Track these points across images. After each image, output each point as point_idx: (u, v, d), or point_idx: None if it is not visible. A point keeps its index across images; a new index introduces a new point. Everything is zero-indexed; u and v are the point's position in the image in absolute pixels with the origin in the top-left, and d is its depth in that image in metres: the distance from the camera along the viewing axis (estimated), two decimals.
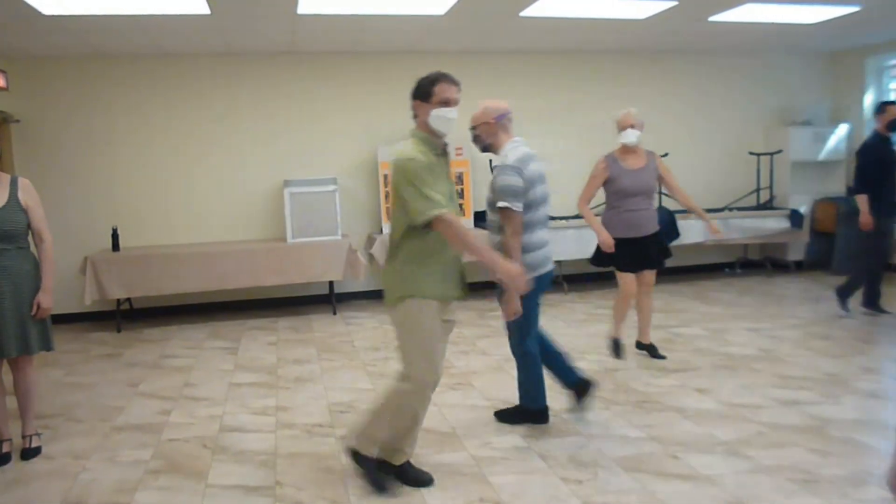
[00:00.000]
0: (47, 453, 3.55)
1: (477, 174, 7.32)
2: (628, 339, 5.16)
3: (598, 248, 4.55)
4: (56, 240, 3.69)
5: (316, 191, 6.61)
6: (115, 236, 6.38)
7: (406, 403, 2.88)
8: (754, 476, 3.01)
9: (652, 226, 4.55)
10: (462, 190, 7.16)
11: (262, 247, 6.50)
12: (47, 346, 3.53)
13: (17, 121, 6.35)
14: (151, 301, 6.75)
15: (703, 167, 7.75)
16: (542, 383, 3.67)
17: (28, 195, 3.44)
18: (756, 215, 7.53)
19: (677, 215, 6.09)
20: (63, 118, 6.58)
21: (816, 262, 7.79)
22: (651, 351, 4.80)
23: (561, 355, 3.69)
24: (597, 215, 4.65)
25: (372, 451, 2.99)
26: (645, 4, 5.59)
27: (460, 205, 6.82)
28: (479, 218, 7.30)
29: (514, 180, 3.26)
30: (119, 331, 6.32)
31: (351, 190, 7.15)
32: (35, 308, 3.41)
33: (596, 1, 5.46)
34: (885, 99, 7.85)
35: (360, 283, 7.09)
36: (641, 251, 4.53)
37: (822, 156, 7.92)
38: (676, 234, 5.90)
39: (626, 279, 4.57)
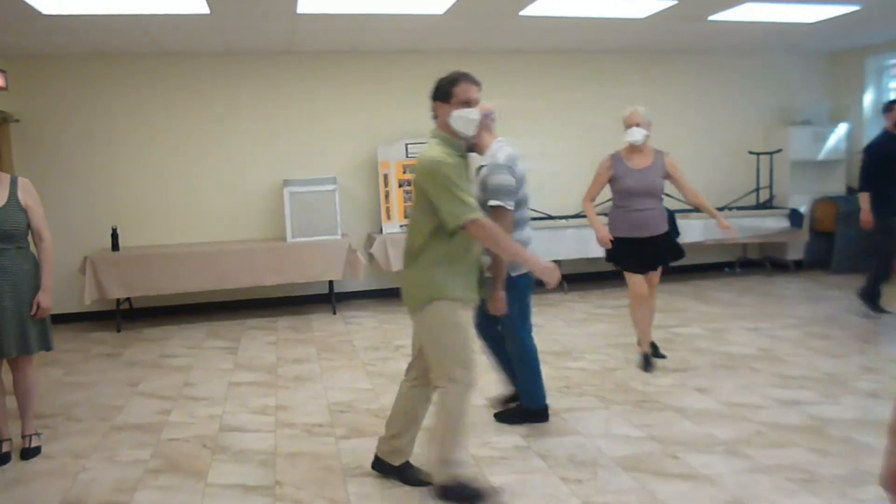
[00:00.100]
0: (47, 453, 3.55)
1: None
2: (629, 338, 5.17)
3: (614, 250, 4.52)
4: (56, 239, 3.69)
5: (316, 190, 6.61)
6: (114, 236, 6.38)
7: (457, 407, 2.82)
8: (754, 476, 3.01)
9: (660, 226, 4.44)
10: None
11: (261, 246, 6.49)
12: (47, 345, 3.53)
13: (17, 120, 6.34)
14: (151, 301, 6.75)
15: (703, 166, 7.75)
16: (540, 381, 3.68)
17: (28, 195, 3.44)
18: (755, 215, 7.53)
19: (677, 214, 6.09)
20: (62, 118, 6.58)
21: (816, 261, 7.80)
22: (653, 349, 4.78)
23: (538, 368, 3.72)
24: (603, 213, 4.63)
25: (452, 474, 2.85)
26: (644, 4, 5.59)
27: None
28: None
29: (508, 179, 3.30)
30: (119, 330, 6.32)
31: (351, 189, 7.15)
32: (35, 308, 3.41)
33: (595, 0, 5.46)
34: (885, 98, 7.87)
35: (360, 283, 7.09)
36: (649, 252, 4.43)
37: (821, 155, 7.92)
38: (676, 234, 5.89)
39: (632, 280, 4.47)
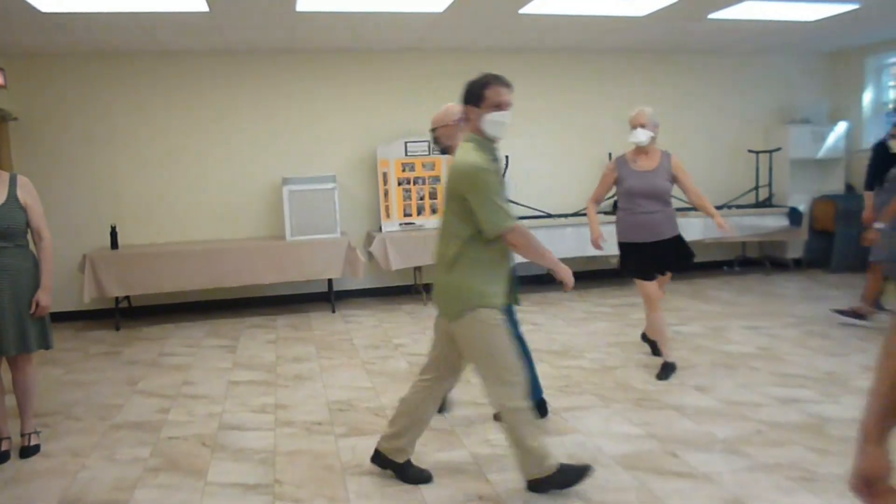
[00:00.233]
0: (46, 451, 3.54)
1: None
2: (629, 337, 5.17)
3: (621, 257, 4.48)
4: (55, 238, 3.68)
5: (315, 188, 6.61)
6: (113, 234, 6.38)
7: (520, 406, 2.81)
8: (753, 474, 3.02)
9: (667, 229, 4.32)
10: None
11: (260, 245, 6.49)
12: (46, 344, 3.53)
13: (16, 118, 6.34)
14: (150, 299, 6.75)
15: (703, 165, 7.75)
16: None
17: (27, 193, 3.43)
18: (755, 213, 7.54)
19: (677, 213, 6.09)
20: (61, 116, 6.57)
21: (815, 260, 7.81)
22: (654, 347, 4.77)
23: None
24: (603, 212, 4.60)
25: (543, 469, 2.85)
26: (644, 2, 5.59)
27: None
28: None
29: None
30: (118, 329, 6.32)
31: (350, 188, 7.15)
32: (34, 306, 3.40)
33: None
34: (884, 97, 7.87)
35: (359, 281, 7.09)
36: (656, 256, 4.33)
37: (821, 154, 7.93)
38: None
39: (642, 286, 4.38)
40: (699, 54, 7.89)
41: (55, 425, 3.92)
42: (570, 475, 2.88)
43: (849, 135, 7.96)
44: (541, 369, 4.63)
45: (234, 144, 6.95)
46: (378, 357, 5.14)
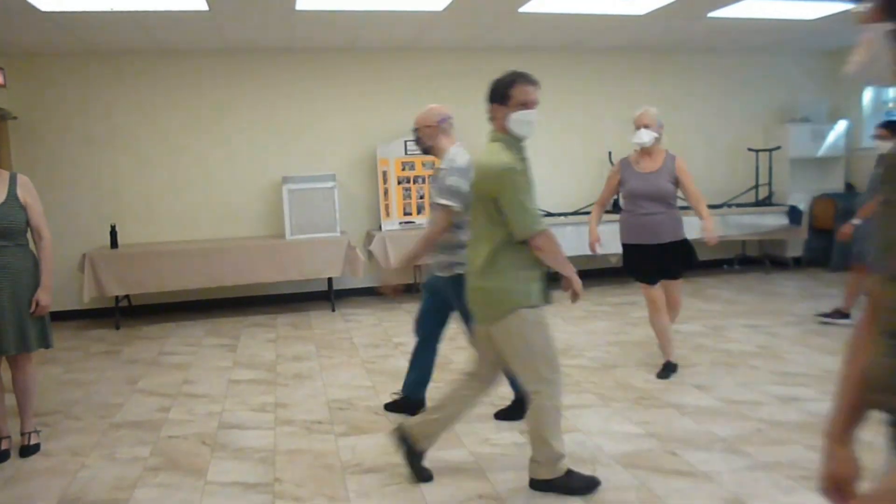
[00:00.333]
0: (46, 450, 3.55)
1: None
2: (629, 336, 5.16)
3: (623, 258, 4.44)
4: (54, 237, 3.68)
5: (314, 187, 6.61)
6: (113, 233, 6.37)
7: (554, 406, 2.82)
8: (752, 473, 3.02)
9: (669, 232, 4.22)
10: None
11: (260, 244, 6.49)
12: (46, 343, 3.53)
13: (15, 117, 6.33)
14: (150, 298, 6.75)
15: (702, 163, 7.75)
16: (424, 375, 3.78)
17: (27, 192, 3.43)
18: (755, 212, 7.54)
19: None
20: (61, 115, 6.57)
21: (815, 258, 7.80)
22: (666, 369, 4.43)
23: (431, 366, 3.81)
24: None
25: (553, 472, 2.86)
26: (644, 0, 5.59)
27: None
28: None
29: (461, 183, 3.32)
30: (118, 328, 6.32)
31: (350, 187, 7.14)
32: (34, 305, 3.40)
33: None
34: (883, 96, 7.87)
35: (359, 280, 7.09)
36: (658, 259, 4.24)
37: (820, 152, 7.93)
38: None
39: (645, 290, 4.33)
40: (699, 53, 7.88)
41: (55, 424, 3.92)
42: (576, 484, 2.88)
43: (848, 133, 7.96)
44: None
45: (234, 143, 6.95)
46: (378, 356, 5.14)
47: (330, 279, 6.79)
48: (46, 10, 4.95)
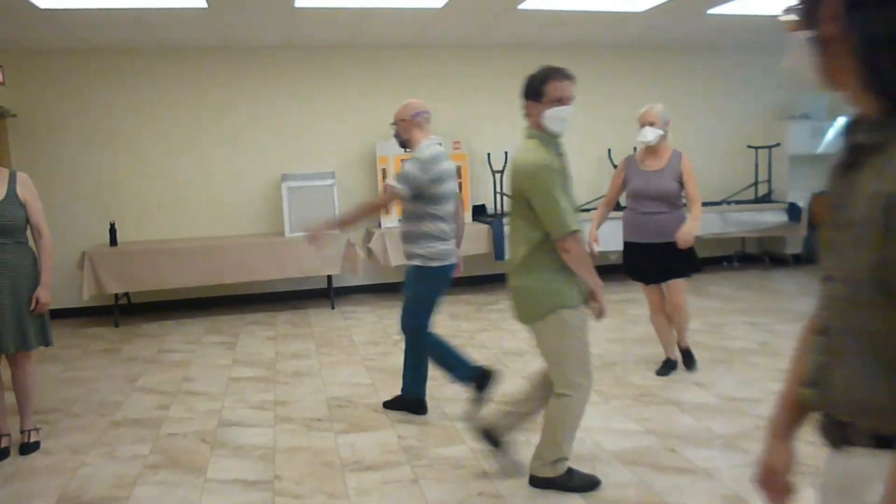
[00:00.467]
0: (46, 448, 3.55)
1: (475, 168, 7.31)
2: (628, 333, 5.16)
3: (625, 257, 4.38)
4: (53, 235, 3.67)
5: (314, 185, 6.60)
6: (112, 231, 6.37)
7: (578, 411, 2.82)
8: (752, 469, 3.01)
9: (672, 232, 4.06)
10: (460, 184, 7.14)
11: (260, 241, 6.49)
12: (46, 341, 3.52)
13: (14, 115, 6.32)
14: (149, 296, 6.75)
15: (702, 160, 7.73)
16: (419, 372, 3.79)
17: (26, 190, 3.43)
18: (754, 209, 7.54)
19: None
20: (60, 113, 6.56)
21: (814, 255, 7.81)
22: (685, 356, 4.43)
23: (452, 349, 3.78)
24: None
25: (554, 471, 2.87)
26: None
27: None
28: (477, 212, 7.30)
29: (415, 173, 3.47)
30: (117, 326, 6.32)
31: (349, 184, 7.14)
32: (34, 303, 3.40)
33: None
34: None
35: (359, 278, 7.09)
36: (658, 259, 4.15)
37: (820, 149, 7.92)
38: None
39: (645, 289, 4.30)
40: (698, 50, 7.87)
41: (55, 422, 3.92)
42: (576, 482, 2.88)
43: None
44: (540, 364, 4.64)
45: (234, 141, 6.95)
46: (377, 353, 5.14)
47: (329, 277, 6.79)
48: (45, 7, 4.94)
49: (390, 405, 3.92)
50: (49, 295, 3.45)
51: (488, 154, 7.16)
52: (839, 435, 1.05)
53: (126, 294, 6.68)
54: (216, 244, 6.37)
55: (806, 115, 7.95)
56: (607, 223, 4.44)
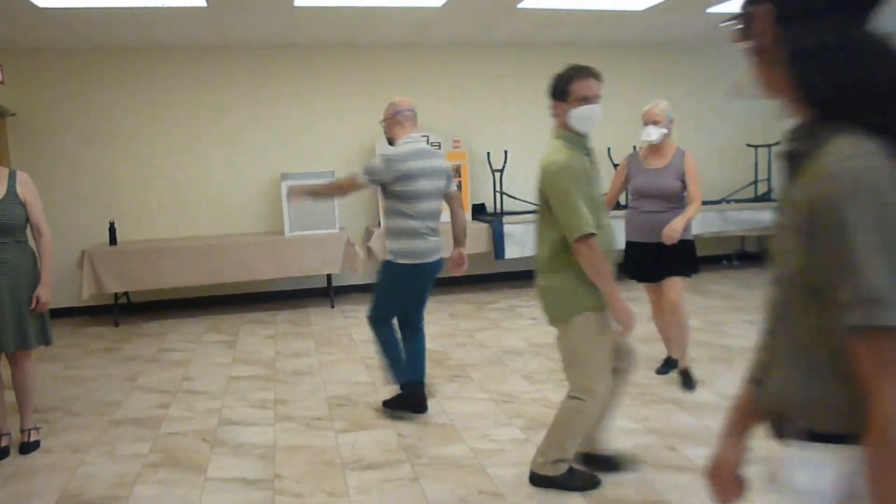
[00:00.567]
0: (46, 447, 3.55)
1: (475, 167, 7.31)
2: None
3: (625, 256, 4.27)
4: (53, 234, 3.67)
5: (314, 184, 6.59)
6: (112, 230, 6.37)
7: (589, 417, 2.80)
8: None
9: None
10: (460, 183, 7.15)
11: (259, 240, 6.49)
12: (46, 340, 3.52)
13: (14, 114, 6.32)
14: (149, 295, 6.75)
15: (702, 159, 7.65)
16: (396, 362, 3.82)
17: (26, 189, 3.43)
18: (754, 207, 7.53)
19: None
20: (60, 112, 6.56)
21: None
22: (683, 377, 4.18)
23: (398, 354, 3.83)
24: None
25: (555, 470, 2.85)
26: None
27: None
28: (476, 211, 7.30)
29: (378, 167, 3.55)
30: (117, 325, 6.32)
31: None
32: (34, 302, 3.40)
33: None
34: None
35: (358, 277, 7.09)
36: (658, 258, 4.08)
37: None
38: None
39: (646, 289, 4.26)
40: (698, 48, 7.87)
41: (55, 421, 3.92)
42: (577, 482, 2.87)
43: None
44: (539, 363, 4.65)
45: (233, 140, 6.94)
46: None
47: (329, 276, 6.79)
48: (44, 6, 4.94)
49: (390, 404, 3.92)
50: (49, 294, 3.45)
51: (488, 153, 7.16)
52: (778, 429, 1.12)
53: (126, 293, 6.68)
54: (216, 243, 6.37)
55: None
56: (615, 221, 4.37)
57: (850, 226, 0.90)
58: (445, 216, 3.74)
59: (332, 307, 6.74)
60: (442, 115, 7.21)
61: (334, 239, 6.53)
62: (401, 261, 3.60)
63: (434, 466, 3.13)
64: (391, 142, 3.77)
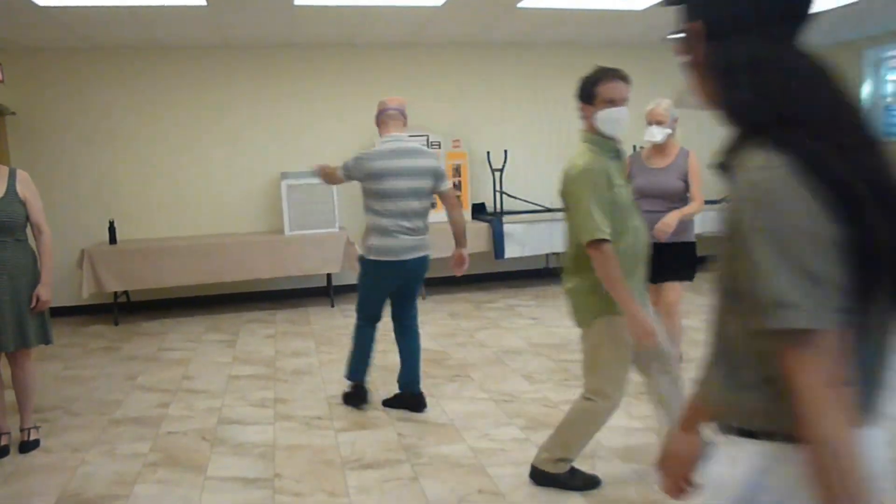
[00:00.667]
0: (45, 446, 3.55)
1: (475, 167, 7.31)
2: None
3: None
4: (53, 233, 3.67)
5: (313, 183, 6.57)
6: (111, 229, 6.37)
7: (599, 420, 2.79)
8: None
9: (674, 233, 3.97)
10: (460, 183, 7.15)
11: (259, 239, 6.49)
12: (46, 339, 3.53)
13: (13, 113, 6.32)
14: (149, 294, 6.75)
15: (703, 159, 7.74)
16: (357, 361, 3.92)
17: (26, 188, 3.43)
18: None
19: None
20: (59, 111, 6.55)
21: None
22: None
23: (367, 355, 3.95)
24: None
25: (556, 467, 2.86)
26: None
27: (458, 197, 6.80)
28: (476, 211, 7.30)
29: (350, 164, 3.76)
30: (117, 324, 6.32)
31: (348, 183, 7.12)
32: (34, 301, 3.40)
33: None
34: (883, 90, 7.87)
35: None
36: (658, 260, 3.85)
37: None
38: None
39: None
40: None
41: (54, 421, 3.92)
42: (577, 482, 2.88)
43: None
44: (539, 363, 4.65)
45: (233, 139, 6.94)
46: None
47: (329, 275, 6.79)
48: (44, 5, 4.93)
49: (390, 403, 3.92)
50: (49, 293, 3.45)
51: (488, 153, 7.16)
52: (718, 425, 1.18)
53: (125, 292, 6.68)
54: (216, 243, 6.37)
55: None
56: None
57: (756, 234, 0.96)
58: (444, 216, 3.76)
59: (332, 306, 6.74)
60: (442, 114, 7.21)
61: (334, 238, 6.53)
62: (371, 257, 3.75)
63: (434, 466, 3.13)
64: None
